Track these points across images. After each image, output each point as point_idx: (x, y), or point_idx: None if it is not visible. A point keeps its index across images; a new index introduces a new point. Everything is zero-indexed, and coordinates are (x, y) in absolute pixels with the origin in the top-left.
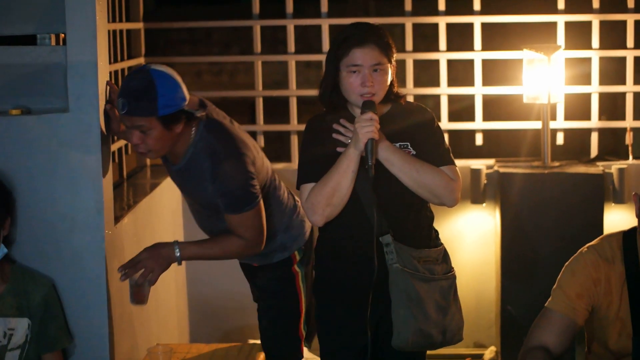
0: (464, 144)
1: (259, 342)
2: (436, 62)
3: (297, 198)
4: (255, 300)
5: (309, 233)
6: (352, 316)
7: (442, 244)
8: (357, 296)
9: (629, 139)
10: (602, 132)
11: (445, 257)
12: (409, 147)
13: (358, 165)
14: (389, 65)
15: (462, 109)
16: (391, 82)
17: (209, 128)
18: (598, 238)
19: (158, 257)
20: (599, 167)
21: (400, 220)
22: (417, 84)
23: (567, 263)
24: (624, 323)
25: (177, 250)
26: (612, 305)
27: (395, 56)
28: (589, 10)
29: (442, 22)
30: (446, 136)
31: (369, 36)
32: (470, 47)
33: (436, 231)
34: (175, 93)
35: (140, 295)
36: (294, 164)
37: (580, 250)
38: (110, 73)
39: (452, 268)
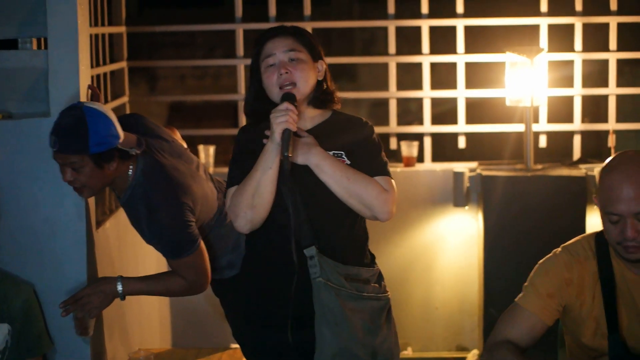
0: (446, 146)
1: None
2: (419, 65)
3: None
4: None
5: None
6: (273, 334)
7: (376, 265)
8: (278, 313)
9: (611, 141)
10: (584, 134)
11: (379, 279)
12: (343, 156)
13: (278, 162)
14: (309, 57)
15: (445, 111)
16: (324, 81)
17: (147, 173)
18: (573, 239)
19: (100, 293)
20: (582, 170)
21: (328, 233)
22: (399, 87)
23: (540, 261)
24: (598, 322)
25: (120, 285)
26: (585, 305)
27: (324, 56)
28: (572, 12)
29: (425, 25)
30: (429, 139)
31: (282, 29)
32: (453, 50)
33: (372, 255)
34: (107, 131)
35: (83, 328)
36: None
37: (554, 250)
38: (92, 77)
39: (387, 291)
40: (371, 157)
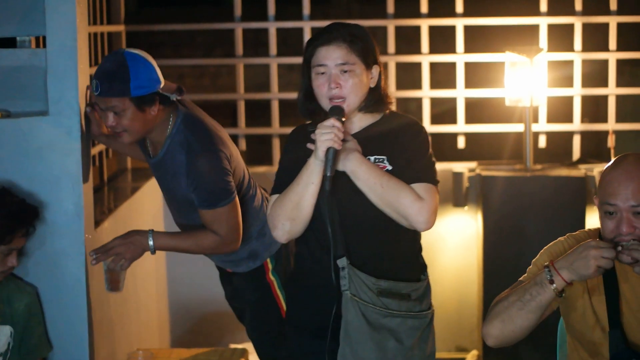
0: (446, 146)
1: (240, 346)
2: (418, 65)
3: None
4: (228, 299)
5: None
6: (314, 346)
7: (425, 279)
8: (318, 324)
9: (611, 141)
10: (584, 134)
11: (424, 294)
12: (385, 161)
13: (321, 177)
14: (363, 67)
15: (444, 111)
16: (377, 87)
17: (187, 122)
18: (578, 231)
19: (130, 244)
20: (581, 170)
21: (363, 244)
22: (399, 86)
23: (545, 247)
24: (597, 316)
25: (151, 239)
26: (585, 297)
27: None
28: (572, 12)
29: (425, 24)
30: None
31: (337, 34)
32: (452, 50)
33: (423, 267)
34: (148, 75)
35: (114, 282)
36: (276, 167)
37: (559, 238)
38: (90, 76)
39: (429, 308)
40: (412, 162)
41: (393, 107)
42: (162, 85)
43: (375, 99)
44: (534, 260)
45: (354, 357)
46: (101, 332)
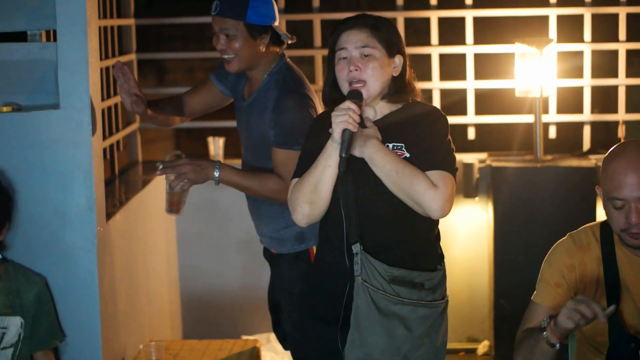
0: (456, 138)
1: (252, 337)
2: (427, 57)
3: None
4: (268, 294)
5: None
6: (327, 329)
7: (441, 269)
8: (336, 311)
9: (621, 132)
10: (594, 125)
11: (438, 284)
12: (403, 148)
13: (337, 160)
14: (384, 53)
15: (454, 103)
16: (401, 77)
17: (289, 66)
18: (579, 228)
19: (197, 167)
20: (592, 161)
21: (375, 230)
22: None
23: (546, 255)
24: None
25: (217, 170)
26: (586, 290)
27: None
28: (581, 3)
29: (434, 16)
30: None
31: (360, 20)
32: (462, 42)
33: (440, 256)
34: (266, 8)
35: (174, 204)
36: None
37: (559, 240)
38: (101, 69)
39: (443, 298)
40: (429, 149)
41: (418, 99)
42: (277, 23)
43: (397, 87)
44: (540, 271)
45: (363, 342)
46: (113, 324)
